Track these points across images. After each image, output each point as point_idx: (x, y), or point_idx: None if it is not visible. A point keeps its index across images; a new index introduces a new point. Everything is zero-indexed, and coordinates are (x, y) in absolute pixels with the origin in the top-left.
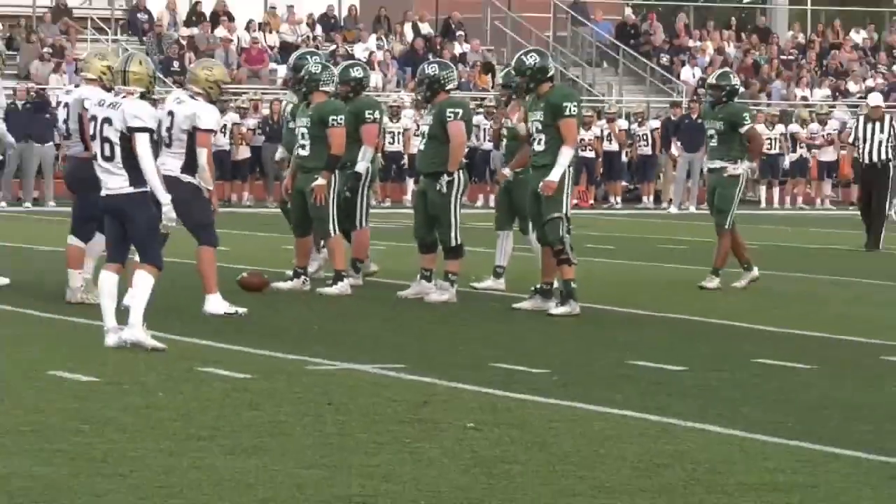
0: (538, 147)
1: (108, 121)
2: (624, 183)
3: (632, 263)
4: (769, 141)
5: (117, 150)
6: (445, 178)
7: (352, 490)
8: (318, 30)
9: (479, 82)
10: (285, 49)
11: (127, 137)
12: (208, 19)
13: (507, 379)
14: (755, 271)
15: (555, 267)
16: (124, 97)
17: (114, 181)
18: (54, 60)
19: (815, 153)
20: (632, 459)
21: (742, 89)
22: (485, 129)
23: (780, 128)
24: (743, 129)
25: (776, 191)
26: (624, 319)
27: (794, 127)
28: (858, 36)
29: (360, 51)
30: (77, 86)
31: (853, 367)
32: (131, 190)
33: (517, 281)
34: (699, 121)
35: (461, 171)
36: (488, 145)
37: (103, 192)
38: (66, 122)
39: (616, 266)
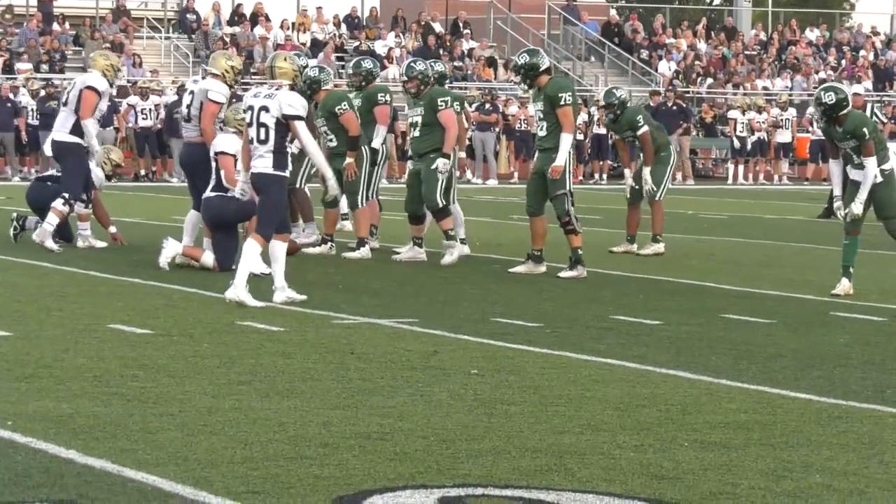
0: (541, 133)
1: (265, 109)
2: (609, 162)
3: (615, 232)
4: (740, 125)
5: (272, 134)
6: (441, 160)
7: (371, 427)
8: (344, 28)
9: (483, 74)
10: (316, 45)
11: (282, 124)
12: (248, 19)
13: (505, 331)
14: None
15: (542, 235)
16: (278, 89)
17: (261, 162)
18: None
19: (773, 135)
20: (614, 401)
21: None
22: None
23: (749, 114)
24: (638, 132)
25: (741, 168)
26: (608, 280)
27: (751, 113)
28: (812, 34)
29: (380, 46)
30: (203, 78)
31: (806, 322)
32: (273, 172)
33: (513, 246)
34: (674, 107)
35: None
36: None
37: (252, 171)
38: (188, 107)
39: (601, 234)
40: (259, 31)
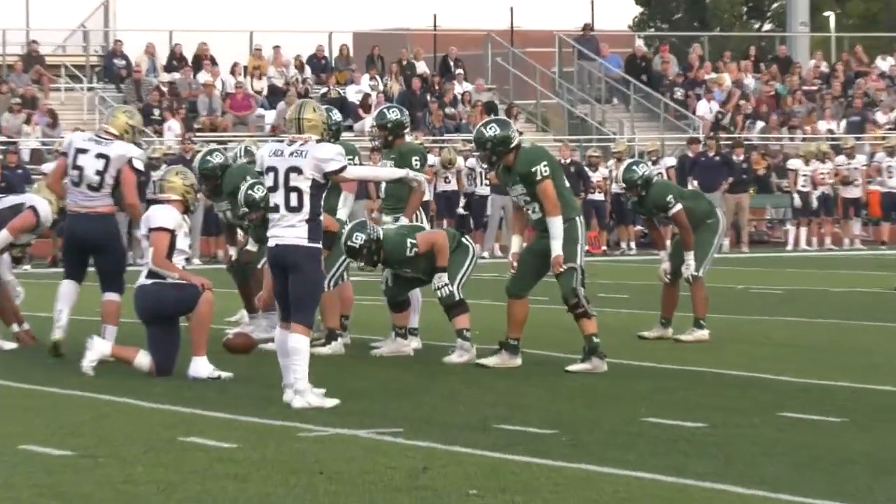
0: (534, 216)
1: (296, 170)
2: (638, 227)
3: (646, 313)
4: (801, 178)
5: (306, 199)
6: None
7: None
8: (308, 71)
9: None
10: (274, 93)
11: (318, 186)
12: (190, 63)
13: (510, 441)
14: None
15: (521, 322)
16: (302, 144)
17: (292, 232)
18: (25, 111)
19: (839, 190)
20: None
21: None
22: (481, 173)
23: (813, 163)
24: (670, 213)
25: (803, 231)
26: (637, 372)
27: (815, 163)
28: (885, 63)
29: (352, 93)
30: (99, 137)
31: (882, 420)
32: (308, 244)
33: (487, 333)
34: (716, 158)
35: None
36: (484, 189)
37: (273, 243)
38: (102, 173)
39: (629, 316)
40: (204, 77)
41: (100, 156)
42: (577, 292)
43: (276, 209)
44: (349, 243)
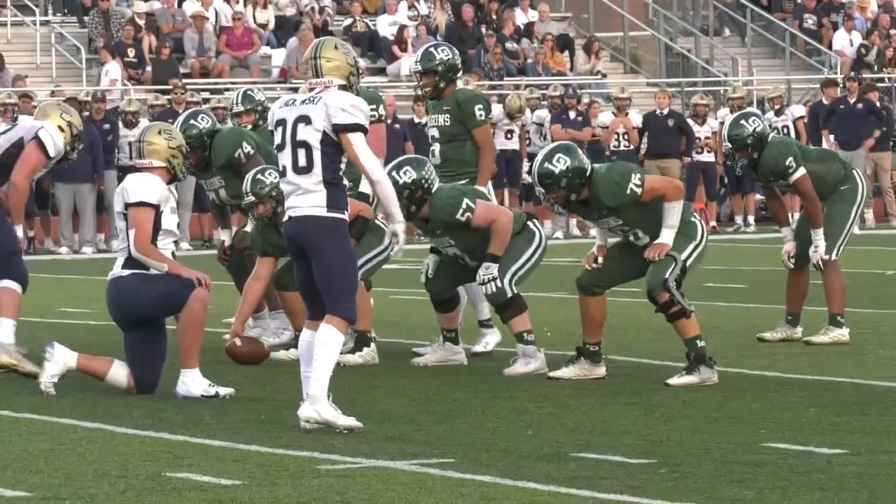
0: (640, 243)
1: (304, 120)
2: (758, 196)
3: (769, 308)
4: None
5: (316, 157)
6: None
7: None
8: None
9: (552, 63)
10: (282, 27)
11: (332, 140)
12: None
13: (594, 474)
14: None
15: (599, 324)
16: (321, 91)
17: (306, 200)
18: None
19: None
20: None
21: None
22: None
23: None
24: (791, 180)
25: None
26: (757, 385)
27: None
28: None
29: (385, 25)
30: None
31: None
32: (327, 213)
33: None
34: (859, 105)
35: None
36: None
37: (285, 217)
38: None
39: (747, 312)
40: (191, 6)
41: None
42: (668, 285)
43: (283, 173)
44: (393, 174)
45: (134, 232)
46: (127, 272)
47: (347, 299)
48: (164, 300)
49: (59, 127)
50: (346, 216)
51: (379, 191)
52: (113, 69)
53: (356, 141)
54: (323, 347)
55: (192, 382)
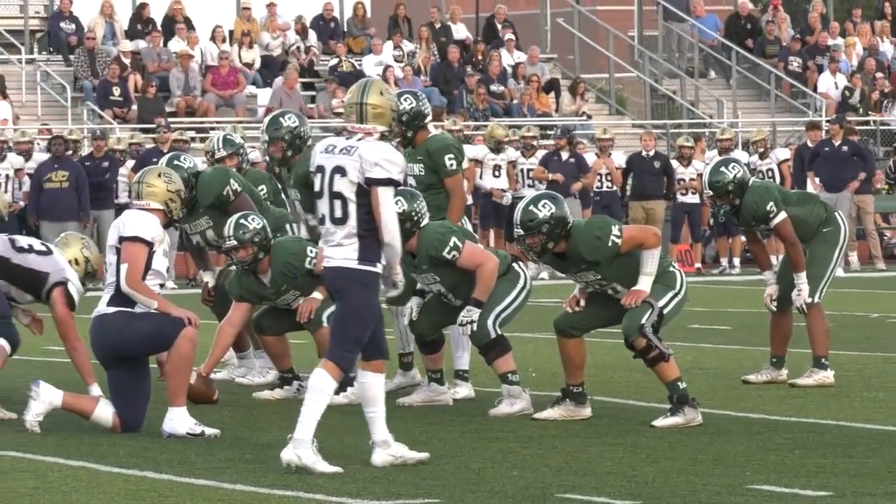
0: (618, 296)
1: (340, 171)
2: (742, 238)
3: (753, 350)
4: None
5: (352, 209)
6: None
7: None
8: (313, 38)
9: (537, 104)
10: (268, 66)
11: (365, 192)
12: (159, 28)
13: None
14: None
15: (580, 365)
16: (360, 139)
17: (339, 252)
18: None
19: None
20: None
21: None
22: (526, 171)
23: None
24: (772, 224)
25: None
26: (742, 426)
27: None
28: None
29: (371, 65)
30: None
31: None
32: (358, 266)
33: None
34: (844, 148)
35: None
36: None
37: (326, 264)
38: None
39: (733, 353)
40: (177, 45)
41: None
42: (644, 331)
43: (322, 220)
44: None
45: (126, 267)
46: (112, 310)
47: (346, 349)
48: (151, 339)
49: (76, 260)
50: (377, 269)
51: (386, 250)
52: (3, 108)
53: (383, 194)
54: (313, 392)
55: (179, 420)
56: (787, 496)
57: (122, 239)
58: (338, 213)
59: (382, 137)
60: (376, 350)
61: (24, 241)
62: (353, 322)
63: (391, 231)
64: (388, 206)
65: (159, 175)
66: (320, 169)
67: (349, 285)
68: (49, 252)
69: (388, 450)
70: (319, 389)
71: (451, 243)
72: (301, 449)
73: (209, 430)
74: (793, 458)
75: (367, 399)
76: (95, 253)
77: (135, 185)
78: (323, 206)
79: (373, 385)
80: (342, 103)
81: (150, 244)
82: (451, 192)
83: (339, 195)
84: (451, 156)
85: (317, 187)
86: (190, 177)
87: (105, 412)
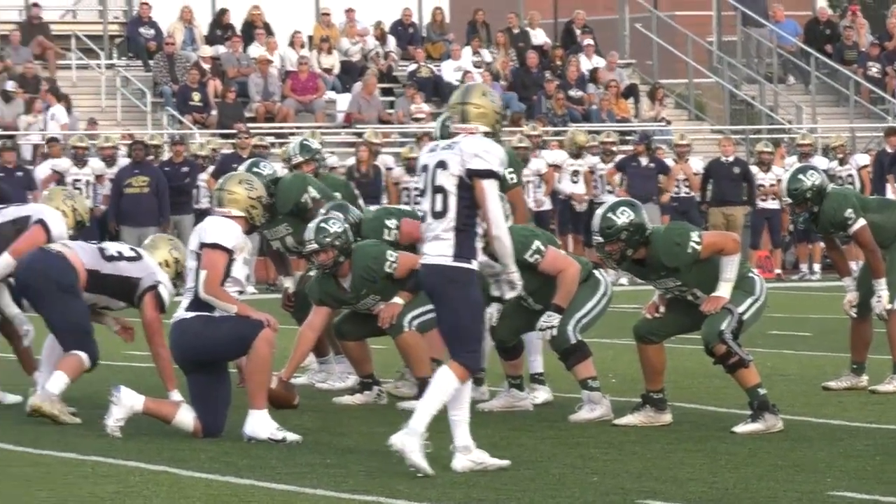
0: (698, 301)
1: (442, 165)
2: (822, 244)
3: (834, 356)
4: None
5: (452, 202)
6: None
7: None
8: (391, 43)
9: (616, 110)
10: (347, 72)
11: (467, 186)
12: (238, 33)
13: None
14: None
15: (660, 371)
16: (465, 136)
17: (436, 247)
18: (24, 96)
19: None
20: None
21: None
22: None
23: None
24: (850, 231)
25: None
26: (821, 433)
27: None
28: None
29: (449, 71)
30: None
31: None
32: (454, 263)
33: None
34: None
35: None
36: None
37: (422, 261)
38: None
39: (812, 360)
40: (256, 50)
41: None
42: (723, 337)
43: (424, 217)
44: None
45: (205, 273)
46: (191, 314)
47: (470, 347)
48: (230, 343)
49: (165, 262)
50: (473, 265)
51: (496, 245)
52: (59, 112)
53: (487, 186)
54: (434, 387)
55: (259, 424)
56: (868, 503)
57: (202, 245)
58: (438, 207)
59: (486, 136)
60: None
61: (112, 248)
62: (465, 321)
63: (498, 223)
64: (493, 199)
65: (240, 182)
66: (424, 168)
67: (445, 284)
68: (139, 257)
69: (468, 455)
70: (440, 386)
71: (534, 247)
72: (410, 438)
73: (291, 436)
74: (874, 464)
75: (452, 401)
76: (184, 253)
77: (216, 191)
78: (425, 202)
79: (458, 390)
80: (420, 109)
81: (229, 252)
82: (513, 204)
83: (440, 189)
84: (511, 169)
85: (420, 185)
86: (269, 183)
87: (186, 417)
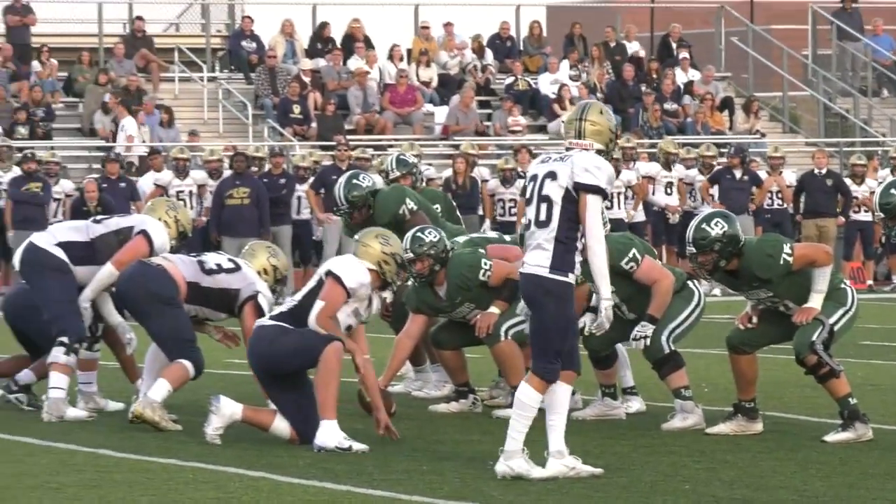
0: (788, 312)
1: (551, 175)
2: None
3: None
4: None
5: (555, 213)
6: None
7: None
8: (489, 56)
9: (711, 122)
10: (445, 84)
11: (573, 199)
12: (339, 46)
13: None
14: None
15: (752, 381)
16: (576, 151)
17: (535, 257)
18: (122, 108)
19: None
20: None
21: None
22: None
23: None
24: None
25: None
26: None
27: None
28: None
29: (546, 84)
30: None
31: None
32: (549, 275)
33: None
34: None
35: None
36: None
37: (521, 270)
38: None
39: None
40: (356, 63)
41: None
42: (815, 348)
43: (527, 226)
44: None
45: (322, 305)
46: (270, 323)
47: (549, 360)
48: (298, 352)
49: (264, 270)
50: (570, 279)
51: (590, 257)
52: (129, 124)
53: (591, 201)
54: (519, 406)
55: (328, 434)
56: None
57: (328, 273)
58: (542, 217)
59: (599, 154)
60: (569, 361)
61: (211, 261)
62: (550, 336)
63: (597, 238)
64: (595, 214)
65: (377, 236)
66: (533, 177)
67: (541, 295)
68: (237, 268)
69: (561, 460)
70: (525, 404)
71: (631, 254)
72: (512, 460)
73: (357, 446)
74: None
75: (551, 406)
76: (283, 260)
77: (354, 242)
78: (530, 211)
79: (560, 394)
80: (517, 121)
81: (348, 293)
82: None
83: (546, 198)
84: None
85: (527, 194)
86: (368, 195)
87: (283, 425)
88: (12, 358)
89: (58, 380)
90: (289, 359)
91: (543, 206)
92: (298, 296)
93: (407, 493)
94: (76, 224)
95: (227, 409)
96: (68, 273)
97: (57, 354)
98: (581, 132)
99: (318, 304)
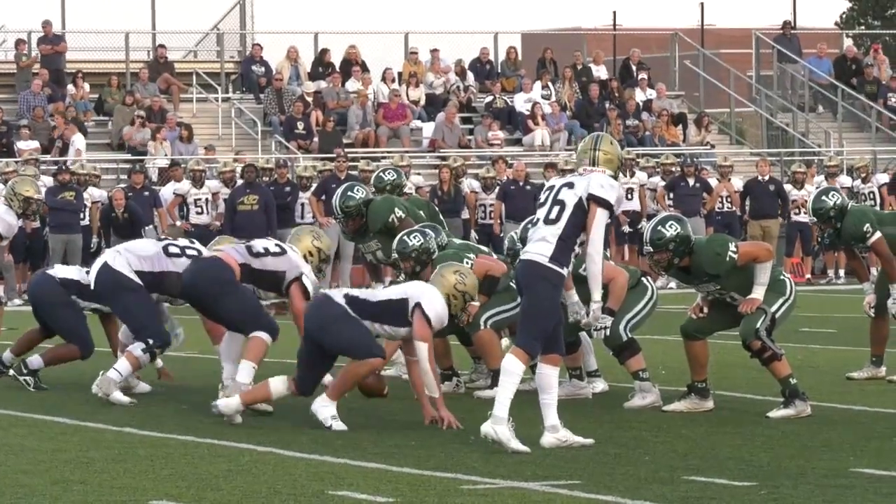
0: (734, 303)
1: (569, 185)
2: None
3: (856, 350)
4: None
5: (566, 215)
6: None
7: None
8: (470, 78)
9: (667, 135)
10: (432, 103)
11: (583, 208)
12: (338, 70)
13: (703, 494)
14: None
15: (704, 364)
16: (592, 172)
17: (538, 247)
18: (152, 125)
19: None
20: None
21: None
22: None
23: None
24: (868, 243)
25: None
26: (845, 418)
27: None
28: None
29: (521, 102)
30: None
31: None
32: (547, 264)
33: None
34: None
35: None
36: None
37: (522, 256)
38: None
39: (837, 353)
40: (353, 85)
41: None
42: (759, 334)
43: (535, 223)
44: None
45: (425, 347)
46: (342, 301)
47: (532, 336)
48: (347, 344)
49: (309, 252)
50: (564, 272)
51: (588, 263)
52: (78, 140)
53: (599, 214)
54: (506, 374)
55: (325, 407)
56: (886, 478)
57: (416, 305)
58: (553, 216)
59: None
60: (554, 345)
61: (259, 245)
62: (538, 315)
63: (597, 246)
64: (600, 228)
65: (455, 271)
66: (551, 187)
67: (537, 280)
68: (283, 252)
69: (556, 434)
70: (511, 371)
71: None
72: (498, 425)
73: (337, 425)
74: (891, 444)
75: (542, 387)
76: (326, 241)
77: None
78: (541, 211)
79: (548, 375)
80: (496, 135)
81: (431, 327)
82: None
83: (560, 202)
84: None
85: (541, 199)
86: (361, 205)
87: (279, 385)
88: (26, 335)
89: (123, 365)
90: (333, 343)
91: (556, 208)
92: (379, 295)
93: (398, 466)
94: (148, 252)
95: (229, 408)
96: (141, 289)
97: (135, 347)
98: (595, 160)
99: (423, 348)
